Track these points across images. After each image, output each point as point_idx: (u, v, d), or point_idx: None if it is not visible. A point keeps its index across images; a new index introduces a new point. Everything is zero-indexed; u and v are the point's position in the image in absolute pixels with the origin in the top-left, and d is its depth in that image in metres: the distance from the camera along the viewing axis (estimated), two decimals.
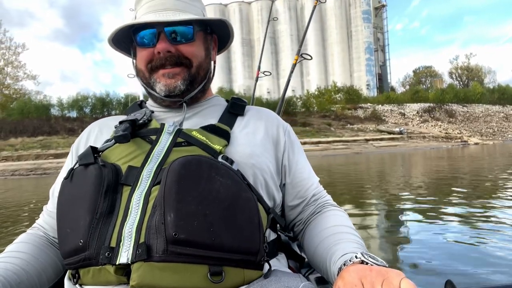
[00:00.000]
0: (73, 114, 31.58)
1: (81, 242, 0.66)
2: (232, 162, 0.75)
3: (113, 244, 0.64)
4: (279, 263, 0.81)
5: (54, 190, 0.88)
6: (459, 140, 30.39)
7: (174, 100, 0.89)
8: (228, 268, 0.63)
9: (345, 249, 0.70)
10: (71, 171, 0.76)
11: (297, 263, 0.95)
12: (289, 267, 0.86)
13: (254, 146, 0.84)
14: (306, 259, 0.92)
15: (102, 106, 32.09)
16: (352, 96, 40.76)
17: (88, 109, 32.16)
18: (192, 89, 0.89)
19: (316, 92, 42.03)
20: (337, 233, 0.77)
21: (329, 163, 15.28)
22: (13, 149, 22.30)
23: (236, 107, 0.95)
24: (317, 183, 0.93)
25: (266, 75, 3.07)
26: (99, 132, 0.91)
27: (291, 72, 2.51)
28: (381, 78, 57.67)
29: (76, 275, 0.69)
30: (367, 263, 0.60)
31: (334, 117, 35.30)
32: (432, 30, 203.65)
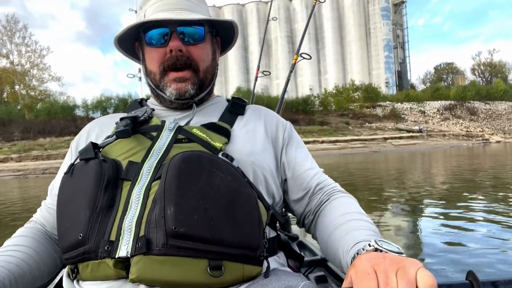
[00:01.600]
0: (97, 114, 32.67)
1: (80, 235, 0.66)
2: (232, 159, 0.76)
3: (112, 237, 0.64)
4: (279, 261, 0.82)
5: (54, 187, 0.90)
6: (480, 138, 29.92)
7: (184, 102, 0.90)
8: (228, 263, 0.63)
9: (358, 237, 0.69)
10: (72, 166, 0.77)
11: (297, 262, 0.95)
12: (289, 266, 0.87)
13: (254, 144, 0.86)
14: (305, 258, 0.92)
15: (124, 107, 32.95)
16: (370, 94, 40.43)
17: (111, 110, 33.14)
18: (201, 92, 0.91)
19: (334, 91, 41.90)
20: (349, 221, 0.76)
21: (347, 161, 15.44)
22: (42, 149, 23.31)
23: (236, 106, 0.96)
24: (320, 173, 0.93)
25: (266, 74, 3.08)
26: (99, 130, 0.92)
27: (291, 72, 2.53)
28: (401, 76, 56.89)
29: (75, 270, 0.69)
30: (381, 251, 0.58)
31: (352, 116, 35.14)
32: (454, 25, 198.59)
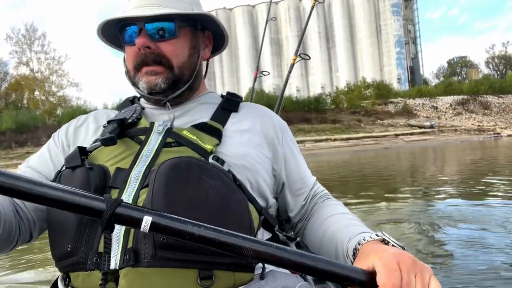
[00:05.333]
0: None
1: (69, 247, 0.65)
2: (223, 162, 0.74)
3: (101, 249, 0.62)
4: None
5: (29, 160, 0.87)
6: (491, 132, 30.01)
7: (158, 99, 0.87)
8: (218, 272, 0.63)
9: (360, 229, 0.70)
10: (58, 174, 0.76)
11: None
12: None
13: (247, 145, 0.82)
14: None
15: None
16: (382, 91, 40.70)
17: None
18: (176, 89, 0.86)
19: (346, 89, 42.30)
20: (344, 219, 0.78)
21: (359, 157, 16.07)
22: None
23: (230, 102, 0.92)
24: (315, 180, 0.94)
25: (265, 75, 3.08)
26: (92, 123, 0.90)
27: (289, 72, 2.53)
28: (413, 71, 56.79)
29: (67, 278, 0.69)
30: (388, 242, 0.60)
31: (364, 113, 35.44)
32: (471, 17, 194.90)
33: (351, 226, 0.74)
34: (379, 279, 0.52)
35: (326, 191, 0.94)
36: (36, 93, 45.50)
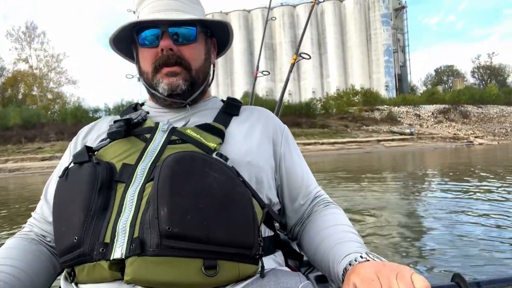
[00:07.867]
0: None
1: (75, 239, 0.66)
2: (226, 159, 0.75)
3: (107, 240, 0.64)
4: (277, 260, 0.81)
5: (47, 192, 0.89)
6: (465, 140, 32.02)
7: (176, 101, 0.90)
8: (223, 262, 0.64)
9: (349, 249, 0.71)
10: (66, 170, 0.78)
11: (297, 261, 0.97)
12: (289, 266, 0.88)
13: (250, 144, 0.85)
14: (305, 258, 0.95)
15: None
16: (369, 98, 42.63)
17: None
18: (193, 91, 0.90)
19: (335, 95, 44.45)
20: (338, 232, 0.78)
21: (344, 159, 18.09)
22: None
23: (231, 107, 0.96)
24: (315, 183, 0.94)
25: (265, 74, 3.09)
26: (96, 133, 0.92)
27: (290, 71, 2.54)
28: (401, 79, 59.17)
29: (72, 273, 0.69)
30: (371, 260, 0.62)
31: (351, 119, 37.25)
32: (468, 24, 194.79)
33: (341, 243, 0.74)
34: None
35: (327, 196, 0.93)
36: (35, 89, 46.72)
